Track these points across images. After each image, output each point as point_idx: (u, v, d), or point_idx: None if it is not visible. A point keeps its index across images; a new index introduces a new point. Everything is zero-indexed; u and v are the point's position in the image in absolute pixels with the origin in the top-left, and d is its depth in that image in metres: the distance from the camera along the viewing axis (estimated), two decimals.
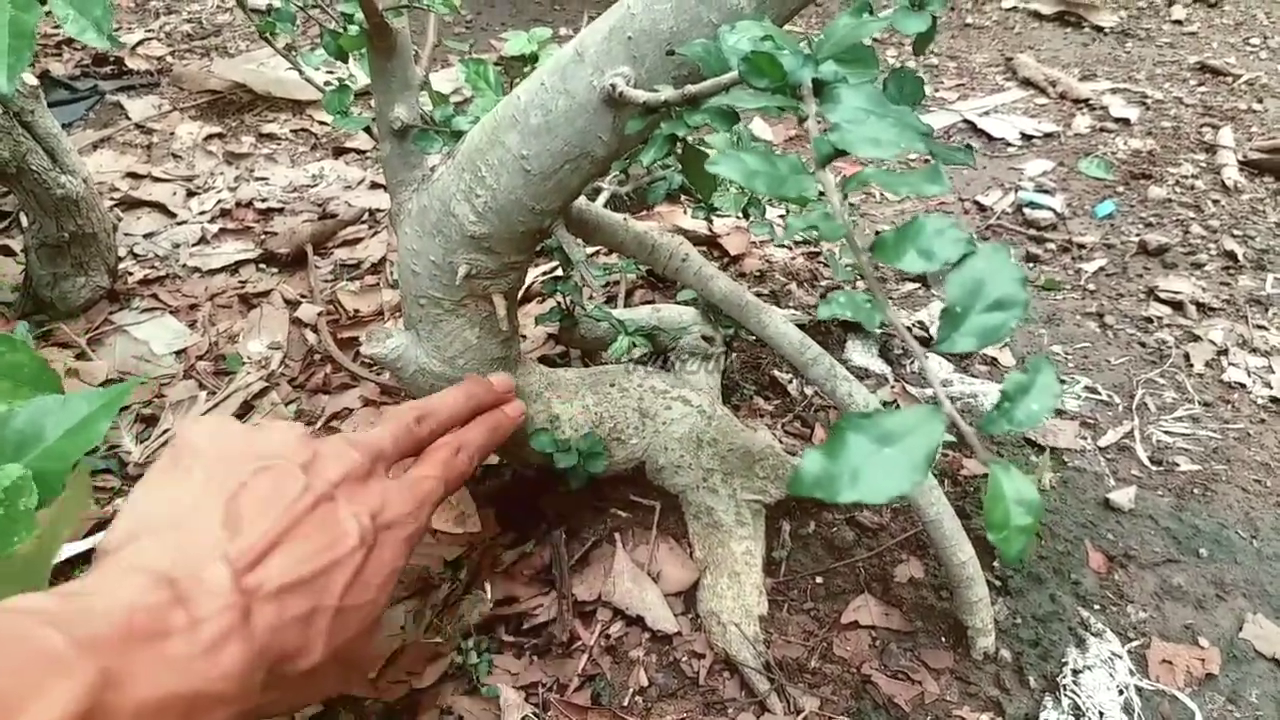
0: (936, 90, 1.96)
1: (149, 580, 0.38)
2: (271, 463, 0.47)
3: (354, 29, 0.70)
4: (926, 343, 1.14)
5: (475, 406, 0.66)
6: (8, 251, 1.36)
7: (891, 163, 1.61)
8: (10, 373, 0.49)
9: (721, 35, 0.48)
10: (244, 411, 1.07)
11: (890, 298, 1.24)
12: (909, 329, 1.16)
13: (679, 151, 0.65)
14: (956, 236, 0.34)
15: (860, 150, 0.37)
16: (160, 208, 1.53)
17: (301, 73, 0.82)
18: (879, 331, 1.10)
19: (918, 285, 1.26)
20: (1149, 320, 1.20)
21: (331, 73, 0.83)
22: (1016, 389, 0.33)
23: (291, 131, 1.82)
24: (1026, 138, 1.73)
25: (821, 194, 0.37)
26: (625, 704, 0.73)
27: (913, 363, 1.09)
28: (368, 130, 0.78)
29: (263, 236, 1.44)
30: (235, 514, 0.43)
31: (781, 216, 1.39)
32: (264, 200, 1.55)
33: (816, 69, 0.42)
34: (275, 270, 1.36)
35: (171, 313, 1.27)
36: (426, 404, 0.62)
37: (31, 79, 1.14)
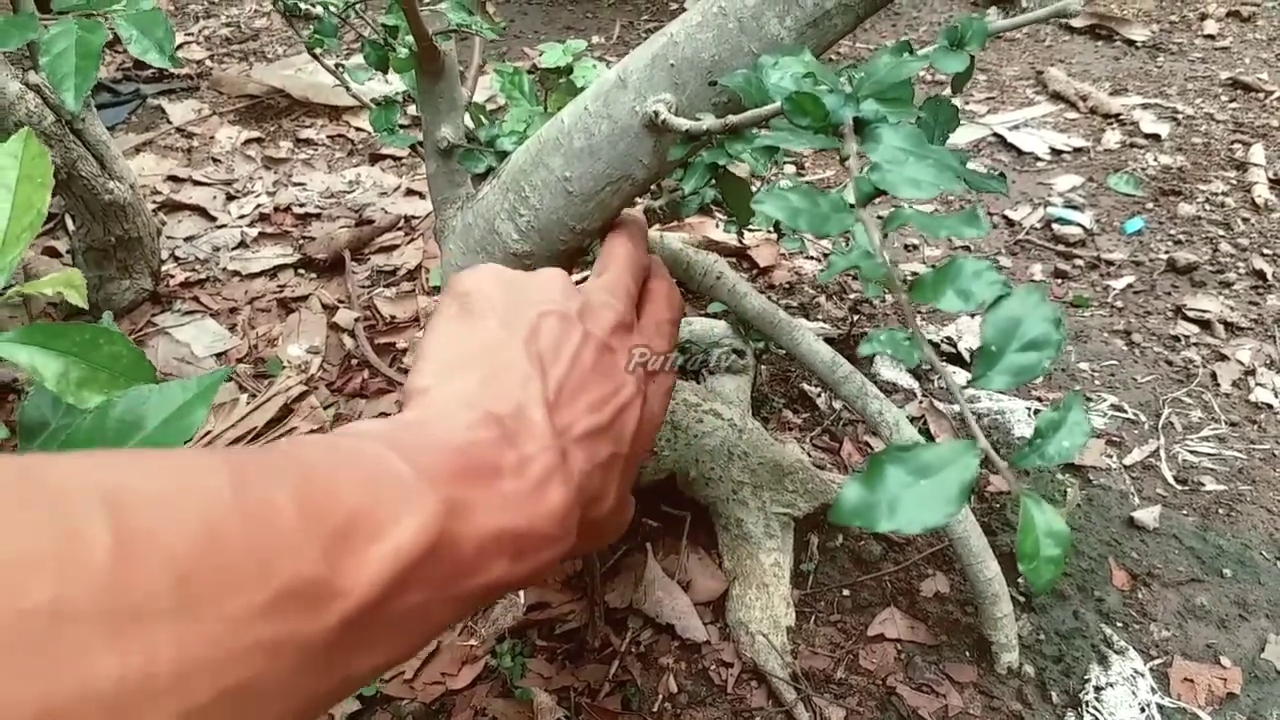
0: (966, 103, 1.96)
1: (478, 415, 0.38)
2: (551, 307, 0.46)
3: (404, 51, 0.72)
4: (955, 358, 1.15)
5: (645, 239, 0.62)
6: (54, 253, 1.39)
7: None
8: (109, 364, 0.51)
9: (764, 70, 0.50)
10: (283, 415, 1.10)
11: (919, 310, 1.26)
12: (935, 344, 1.18)
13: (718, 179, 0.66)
14: (993, 278, 0.35)
15: (900, 191, 0.38)
16: (201, 211, 1.56)
17: (349, 89, 0.84)
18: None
19: None
20: (1176, 339, 1.20)
21: (370, 79, 0.85)
22: (1049, 425, 0.35)
23: (328, 137, 1.85)
24: (1056, 152, 1.74)
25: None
26: (655, 710, 0.74)
27: (940, 377, 1.10)
28: (413, 148, 0.81)
29: (301, 241, 1.47)
30: (536, 354, 0.43)
31: (827, 236, 1.41)
32: (302, 205, 1.58)
33: (858, 108, 0.44)
34: (313, 275, 1.39)
35: (212, 315, 1.30)
36: (624, 249, 0.58)
37: None
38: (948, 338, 1.18)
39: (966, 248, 1.44)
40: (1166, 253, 1.39)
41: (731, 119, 0.53)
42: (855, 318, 1.22)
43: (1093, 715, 0.73)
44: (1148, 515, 0.91)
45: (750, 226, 0.98)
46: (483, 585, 0.35)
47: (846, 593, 0.84)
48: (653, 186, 0.91)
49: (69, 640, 0.22)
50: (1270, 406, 1.08)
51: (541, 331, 0.45)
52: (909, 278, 1.28)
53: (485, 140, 0.72)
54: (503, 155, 0.71)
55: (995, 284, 0.35)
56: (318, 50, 0.84)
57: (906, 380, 1.10)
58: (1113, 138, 1.77)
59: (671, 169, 0.65)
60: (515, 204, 0.66)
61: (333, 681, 0.30)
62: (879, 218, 0.39)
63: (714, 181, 0.79)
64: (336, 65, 0.85)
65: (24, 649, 0.21)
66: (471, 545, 0.34)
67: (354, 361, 1.20)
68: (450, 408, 0.40)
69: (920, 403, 1.07)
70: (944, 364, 0.35)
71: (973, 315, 1.23)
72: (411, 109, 0.90)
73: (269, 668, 0.26)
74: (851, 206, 0.39)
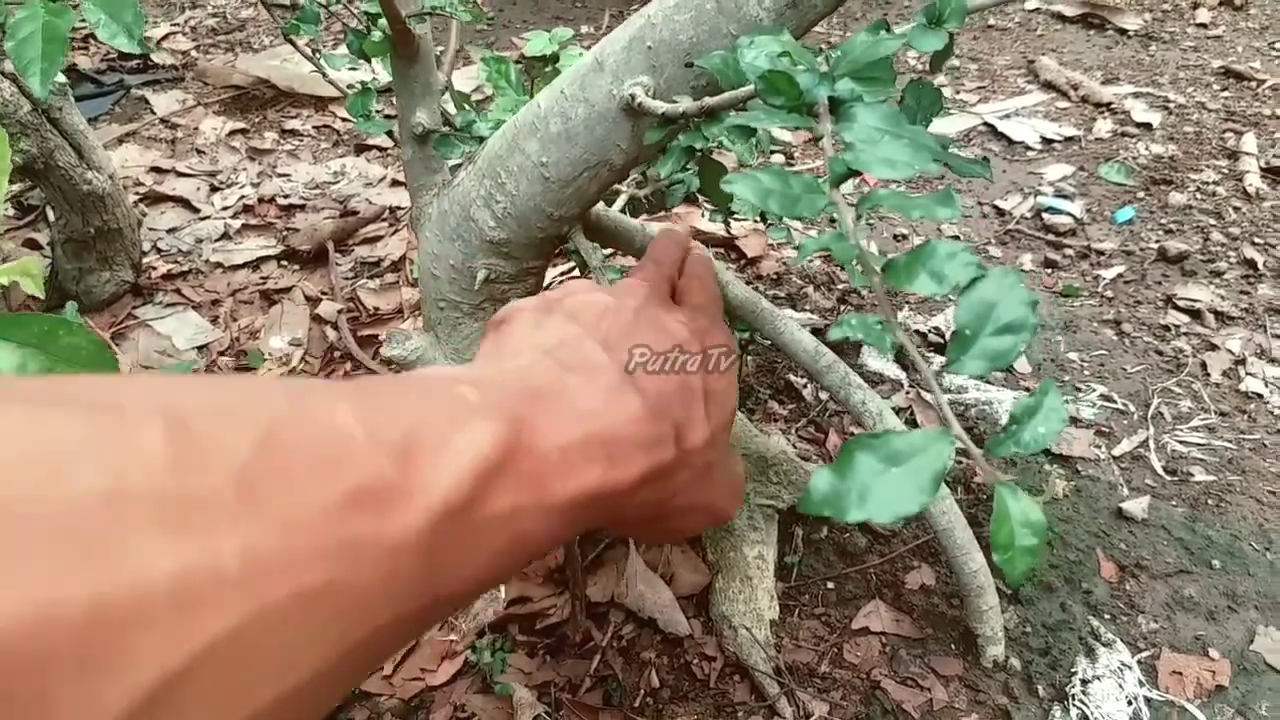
0: (957, 93, 1.95)
1: (535, 355, 0.39)
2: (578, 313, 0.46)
3: (377, 34, 0.71)
4: (944, 348, 1.14)
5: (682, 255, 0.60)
6: (34, 245, 1.38)
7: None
8: (68, 356, 0.49)
9: (739, 50, 0.49)
10: None
11: (907, 301, 1.25)
12: (923, 334, 1.17)
13: (696, 162, 0.65)
14: (967, 260, 0.34)
15: (874, 171, 0.37)
16: (184, 203, 1.54)
17: (325, 75, 0.83)
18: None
19: None
20: (1167, 328, 1.19)
21: (354, 69, 0.84)
22: (1024, 412, 0.34)
23: (314, 128, 1.83)
24: (1047, 142, 1.73)
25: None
26: (636, 705, 0.73)
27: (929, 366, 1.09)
28: (390, 134, 0.79)
29: (284, 233, 1.45)
30: (581, 322, 0.44)
31: (800, 218, 1.40)
32: (286, 196, 1.56)
33: (833, 87, 0.42)
34: (296, 267, 1.37)
35: (194, 308, 1.28)
36: (656, 253, 0.57)
37: (60, 76, 1.15)
38: (935, 328, 1.17)
39: (956, 237, 1.43)
40: (1157, 242, 1.38)
41: (708, 101, 0.52)
42: (843, 308, 1.21)
43: (1079, 708, 0.72)
44: (1136, 506, 0.91)
45: (737, 215, 0.97)
46: (581, 491, 0.35)
47: (831, 585, 0.83)
48: (639, 176, 0.90)
49: (123, 529, 0.20)
50: (1260, 396, 1.07)
51: (565, 307, 0.46)
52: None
53: (461, 126, 0.71)
54: (480, 141, 0.69)
55: (969, 266, 0.34)
56: (295, 37, 0.83)
57: (893, 370, 1.09)
58: (1104, 127, 1.76)
59: (649, 154, 0.63)
60: (492, 190, 0.65)
61: (422, 599, 0.28)
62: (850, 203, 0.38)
63: (696, 169, 0.78)
64: (314, 52, 0.84)
65: (72, 536, 0.19)
66: (554, 448, 0.34)
67: (337, 354, 1.18)
68: (505, 356, 0.41)
69: (907, 393, 1.06)
70: (920, 351, 0.34)
71: None
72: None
73: (349, 572, 0.25)
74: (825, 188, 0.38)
